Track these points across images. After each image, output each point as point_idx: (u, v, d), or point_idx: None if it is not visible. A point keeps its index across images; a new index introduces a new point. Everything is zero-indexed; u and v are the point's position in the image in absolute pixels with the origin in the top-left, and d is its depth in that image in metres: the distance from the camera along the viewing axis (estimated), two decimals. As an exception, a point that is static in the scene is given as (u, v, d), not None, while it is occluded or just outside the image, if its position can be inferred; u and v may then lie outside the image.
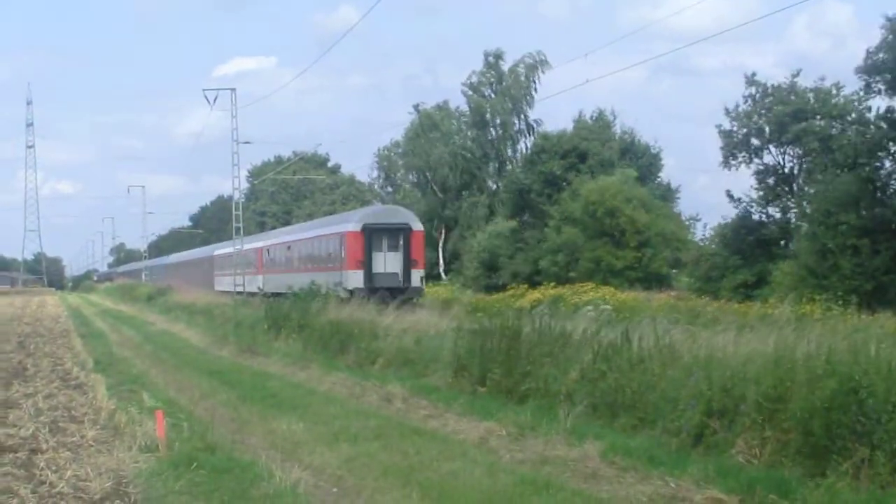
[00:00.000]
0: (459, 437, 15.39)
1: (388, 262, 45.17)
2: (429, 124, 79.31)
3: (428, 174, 78.87)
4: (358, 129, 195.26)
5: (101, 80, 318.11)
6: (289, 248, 59.74)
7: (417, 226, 46.98)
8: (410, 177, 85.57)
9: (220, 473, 12.16)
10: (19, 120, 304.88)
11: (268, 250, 62.92)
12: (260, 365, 27.43)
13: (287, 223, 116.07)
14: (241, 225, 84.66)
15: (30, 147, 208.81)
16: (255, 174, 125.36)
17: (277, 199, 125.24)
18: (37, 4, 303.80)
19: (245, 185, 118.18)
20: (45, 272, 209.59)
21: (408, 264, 45.04)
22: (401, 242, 45.21)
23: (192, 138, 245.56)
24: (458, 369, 20.26)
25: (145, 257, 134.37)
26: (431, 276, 72.77)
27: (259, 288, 57.59)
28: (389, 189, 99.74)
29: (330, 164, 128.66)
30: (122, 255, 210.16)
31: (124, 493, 11.40)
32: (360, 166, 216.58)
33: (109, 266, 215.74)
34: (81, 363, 26.41)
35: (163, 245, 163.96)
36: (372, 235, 45.19)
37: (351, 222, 47.80)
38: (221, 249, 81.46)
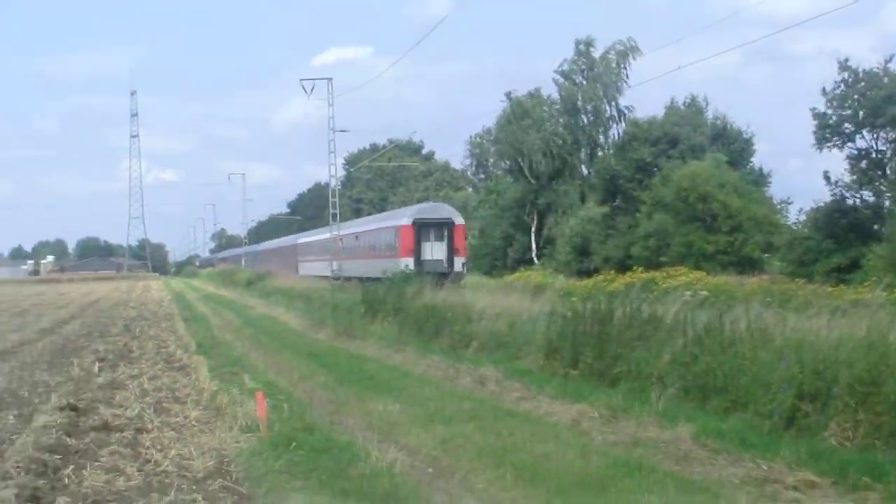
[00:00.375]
0: (552, 420, 15.36)
1: (434, 250, 51.66)
2: (520, 112, 78.96)
3: (520, 161, 78.49)
4: (451, 117, 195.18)
5: (202, 71, 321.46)
6: (356, 238, 65.86)
7: (459, 220, 53.74)
8: (502, 163, 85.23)
9: (319, 453, 12.20)
10: (124, 110, 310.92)
11: (341, 240, 67.24)
12: (356, 348, 27.59)
13: (383, 209, 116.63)
14: (337, 211, 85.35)
15: (134, 136, 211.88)
16: (351, 162, 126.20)
17: (373, 185, 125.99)
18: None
19: (341, 172, 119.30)
20: (149, 258, 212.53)
21: (451, 252, 51.57)
22: (445, 234, 51.83)
23: (291, 127, 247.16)
24: (550, 352, 20.23)
25: (245, 243, 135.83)
26: (524, 261, 72.75)
27: (332, 272, 61.73)
28: (482, 176, 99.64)
29: (424, 152, 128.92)
30: (223, 241, 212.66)
31: (226, 471, 11.54)
32: (453, 153, 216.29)
33: (211, 252, 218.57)
34: (184, 346, 26.76)
35: (262, 231, 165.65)
36: (421, 228, 51.96)
37: (404, 217, 54.38)
38: (304, 238, 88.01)
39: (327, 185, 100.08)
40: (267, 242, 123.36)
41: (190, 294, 75.44)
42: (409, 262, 49.44)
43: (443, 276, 44.41)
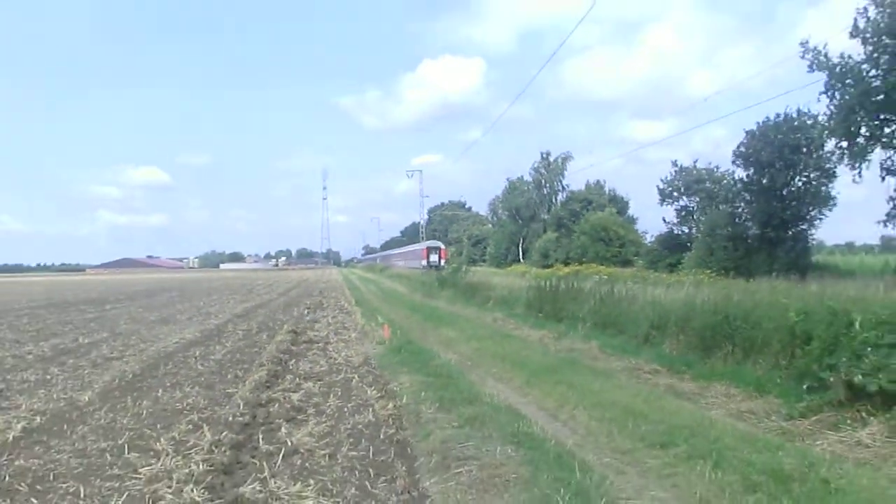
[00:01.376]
0: (530, 339, 15.34)
1: (432, 258, 64.44)
2: (513, 187, 79.26)
3: (514, 211, 78.47)
4: (481, 189, 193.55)
5: (359, 166, 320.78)
6: (405, 253, 79.10)
7: (443, 247, 68.84)
8: (505, 213, 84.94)
9: (415, 354, 12.22)
10: (318, 185, 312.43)
11: (402, 253, 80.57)
12: (433, 303, 27.56)
13: (446, 236, 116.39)
14: (423, 236, 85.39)
15: (324, 199, 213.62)
16: (431, 211, 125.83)
17: (441, 224, 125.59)
18: (327, 126, 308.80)
19: (426, 216, 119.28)
20: (331, 258, 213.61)
21: (439, 260, 64.35)
22: (438, 252, 65.79)
23: (403, 194, 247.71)
24: (529, 305, 20.18)
25: (378, 251, 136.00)
26: (516, 260, 72.34)
27: (404, 266, 71.53)
28: (495, 219, 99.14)
29: (467, 206, 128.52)
30: (368, 249, 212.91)
31: (369, 363, 11.60)
32: (481, 207, 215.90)
33: (361, 255, 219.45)
34: (348, 301, 26.98)
35: (389, 245, 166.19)
36: (429, 249, 66.15)
37: (423, 245, 68.76)
38: (391, 251, 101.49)
39: (419, 223, 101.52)
40: (382, 252, 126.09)
41: (351, 276, 75.94)
42: (424, 262, 63.39)
43: (435, 268, 52.74)
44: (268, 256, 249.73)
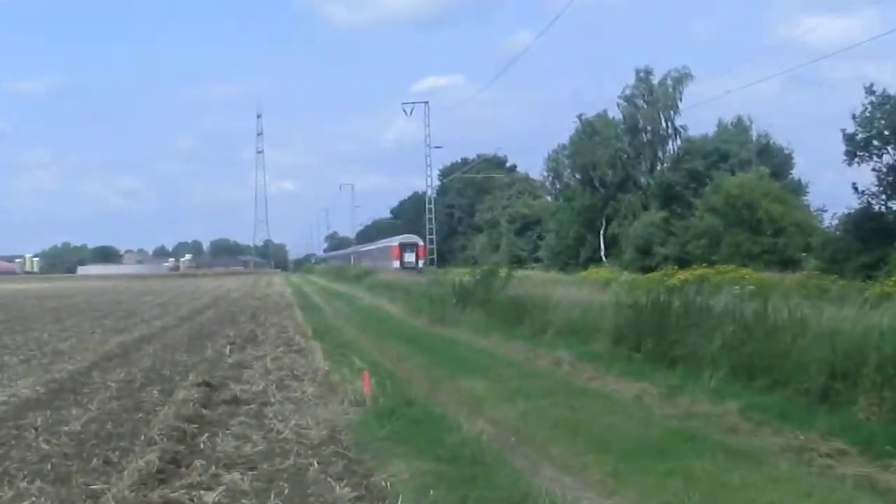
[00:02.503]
0: (617, 395, 15.31)
1: (406, 258, 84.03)
2: (590, 131, 78.78)
3: (590, 172, 78.24)
4: (532, 135, 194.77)
5: (318, 97, 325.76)
6: (370, 251, 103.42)
7: (420, 242, 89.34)
8: (575, 175, 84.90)
9: (417, 424, 12.27)
10: (251, 130, 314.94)
11: (367, 252, 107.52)
12: (449, 333, 27.61)
13: (472, 214, 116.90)
14: (432, 216, 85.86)
15: (259, 153, 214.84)
16: (445, 173, 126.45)
17: (463, 194, 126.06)
18: (265, 31, 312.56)
19: (436, 182, 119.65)
20: (272, 256, 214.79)
21: (416, 260, 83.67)
22: (415, 250, 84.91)
23: (394, 143, 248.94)
24: (616, 338, 20.09)
25: (353, 244, 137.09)
26: (593, 260, 72.41)
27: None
28: (557, 186, 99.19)
29: (507, 165, 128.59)
30: (335, 241, 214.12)
31: (338, 439, 11.62)
32: (533, 166, 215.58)
33: (324, 251, 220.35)
34: (302, 332, 27.03)
35: (368, 233, 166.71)
36: (402, 247, 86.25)
37: (394, 241, 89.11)
38: (363, 247, 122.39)
39: (424, 193, 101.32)
40: (360, 245, 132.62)
41: (306, 287, 76.23)
42: (396, 264, 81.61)
43: (413, 269, 66.51)
44: (161, 254, 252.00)
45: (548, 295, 28.53)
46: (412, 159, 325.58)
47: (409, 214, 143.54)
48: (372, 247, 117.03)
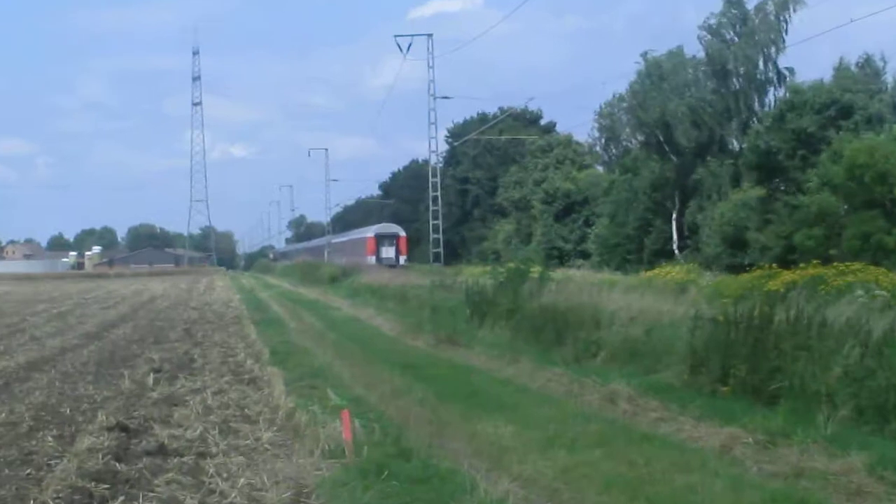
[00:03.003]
0: (697, 445, 15.30)
1: (384, 252, 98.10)
2: (659, 75, 78.22)
3: (658, 133, 77.88)
4: (576, 82, 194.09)
5: (278, 25, 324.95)
6: (342, 244, 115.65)
7: (402, 233, 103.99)
8: (638, 137, 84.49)
9: (416, 484, 12.24)
10: (184, 73, 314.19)
11: (339, 244, 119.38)
12: (460, 357, 27.69)
13: (492, 192, 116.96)
14: (438, 194, 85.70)
15: (196, 104, 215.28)
16: (455, 135, 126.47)
17: (481, 163, 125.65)
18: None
19: (444, 147, 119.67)
20: (214, 249, 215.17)
21: (396, 254, 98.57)
22: (395, 242, 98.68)
23: (383, 93, 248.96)
24: (694, 365, 20.07)
25: (328, 232, 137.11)
26: (663, 254, 72.27)
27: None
28: (613, 151, 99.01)
29: (542, 123, 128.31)
30: (303, 230, 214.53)
31: (305, 505, 11.59)
32: (578, 125, 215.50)
33: (288, 242, 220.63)
34: (256, 354, 27.05)
35: (349, 218, 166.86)
36: (379, 238, 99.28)
37: (368, 231, 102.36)
38: (336, 238, 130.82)
39: (426, 162, 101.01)
40: (335, 236, 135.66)
41: (263, 292, 76.35)
42: (371, 258, 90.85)
43: (393, 266, 74.42)
44: (58, 246, 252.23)
45: (599, 304, 28.52)
46: (410, 115, 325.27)
47: (404, 192, 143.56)
48: (343, 238, 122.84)
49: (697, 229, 72.02)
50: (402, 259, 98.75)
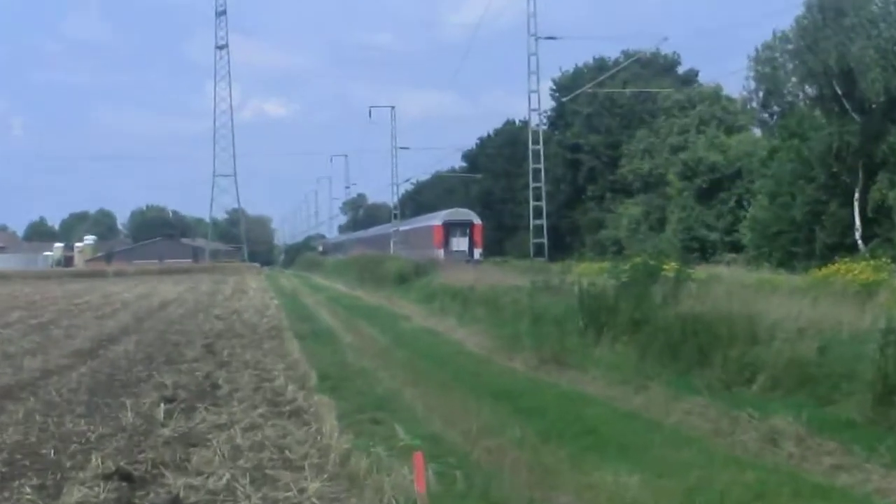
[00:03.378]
0: (888, 502, 15.18)
1: (454, 244, 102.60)
2: (835, 7, 78.00)
3: (836, 85, 77.51)
4: (724, 19, 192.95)
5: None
6: (403, 232, 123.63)
7: (476, 220, 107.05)
8: (808, 90, 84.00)
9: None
10: (205, 6, 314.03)
11: (406, 231, 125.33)
12: (571, 382, 27.69)
13: (613, 163, 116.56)
14: (541, 166, 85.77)
15: (221, 47, 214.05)
16: (562, 88, 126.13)
17: (598, 125, 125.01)
18: None
19: (547, 104, 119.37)
20: (246, 239, 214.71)
21: (470, 246, 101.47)
22: (468, 231, 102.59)
23: (466, 33, 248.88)
24: (884, 393, 19.92)
25: (395, 217, 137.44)
26: (844, 247, 71.72)
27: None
28: (774, 109, 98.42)
29: (680, 71, 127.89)
30: (362, 214, 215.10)
31: None
32: (727, 73, 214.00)
33: (342, 229, 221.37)
34: (300, 378, 27.15)
35: (423, 198, 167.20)
36: (448, 227, 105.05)
37: (434, 219, 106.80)
38: (404, 226, 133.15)
39: (525, 124, 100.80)
40: (400, 223, 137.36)
41: (309, 296, 76.76)
42: (440, 251, 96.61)
43: (467, 260, 76.94)
44: (40, 235, 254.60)
45: (756, 312, 28.37)
46: (503, 62, 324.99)
47: (496, 164, 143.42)
48: (407, 227, 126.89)
49: (889, 213, 71.45)
50: (478, 253, 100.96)
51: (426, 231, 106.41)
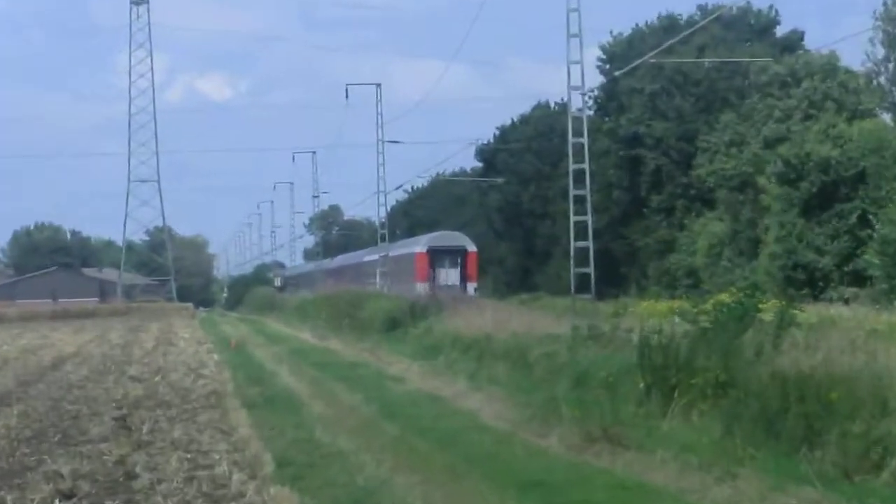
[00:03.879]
0: None
1: (442, 275, 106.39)
2: None
3: None
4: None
5: None
6: (392, 260, 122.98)
7: (470, 247, 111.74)
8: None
9: None
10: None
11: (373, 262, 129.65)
12: (629, 468, 27.73)
13: (687, 161, 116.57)
14: (586, 165, 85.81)
15: (138, 3, 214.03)
16: (614, 57, 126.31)
17: (665, 108, 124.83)
18: None
19: (594, 80, 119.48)
20: (174, 270, 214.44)
21: (462, 277, 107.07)
22: (460, 259, 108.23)
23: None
24: None
25: (384, 238, 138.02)
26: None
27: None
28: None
29: (779, 34, 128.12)
30: (335, 234, 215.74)
31: None
32: (843, 38, 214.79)
33: (307, 255, 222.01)
34: (249, 464, 27.31)
35: (419, 212, 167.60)
36: (432, 254, 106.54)
37: (416, 245, 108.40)
38: (393, 251, 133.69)
39: (562, 107, 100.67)
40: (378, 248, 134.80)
41: (262, 348, 77.09)
42: (420, 285, 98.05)
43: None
44: None
45: (887, 371, 28.37)
46: (529, 21, 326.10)
47: (521, 162, 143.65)
48: (373, 256, 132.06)
49: None
50: (472, 287, 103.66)
51: (405, 260, 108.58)
